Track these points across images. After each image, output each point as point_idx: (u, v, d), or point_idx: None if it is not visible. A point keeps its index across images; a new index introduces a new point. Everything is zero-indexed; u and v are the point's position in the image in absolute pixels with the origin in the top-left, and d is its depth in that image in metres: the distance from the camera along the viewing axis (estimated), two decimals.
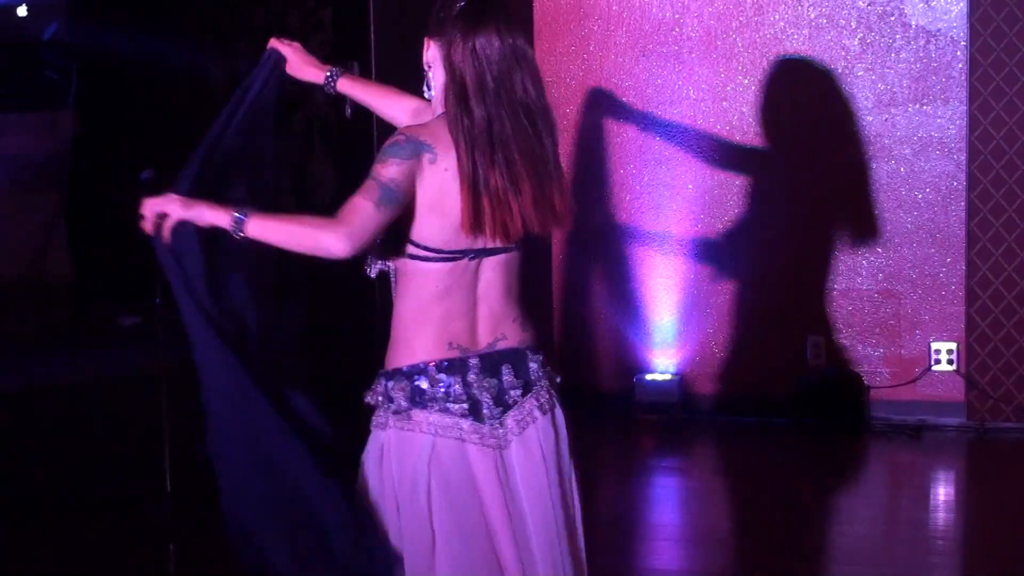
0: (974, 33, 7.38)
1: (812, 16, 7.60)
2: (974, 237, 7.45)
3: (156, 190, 3.29)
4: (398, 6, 7.39)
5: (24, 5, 8.50)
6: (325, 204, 8.27)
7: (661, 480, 7.22)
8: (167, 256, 3.26)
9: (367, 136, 7.42)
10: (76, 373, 6.70)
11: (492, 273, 3.35)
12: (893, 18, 7.52)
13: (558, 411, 3.42)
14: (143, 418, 6.20)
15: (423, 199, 3.23)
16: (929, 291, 7.52)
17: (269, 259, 3.46)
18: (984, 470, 7.16)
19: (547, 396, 3.41)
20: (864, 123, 7.56)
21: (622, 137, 7.87)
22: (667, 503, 6.92)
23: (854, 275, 7.60)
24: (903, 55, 7.51)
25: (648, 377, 7.79)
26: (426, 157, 3.21)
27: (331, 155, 8.25)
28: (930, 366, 7.54)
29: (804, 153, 7.64)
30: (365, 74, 7.38)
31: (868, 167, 7.56)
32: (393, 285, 3.40)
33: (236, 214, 3.18)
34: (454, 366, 3.33)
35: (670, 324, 7.82)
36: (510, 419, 3.36)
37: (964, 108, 7.43)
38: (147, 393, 6.19)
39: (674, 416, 7.72)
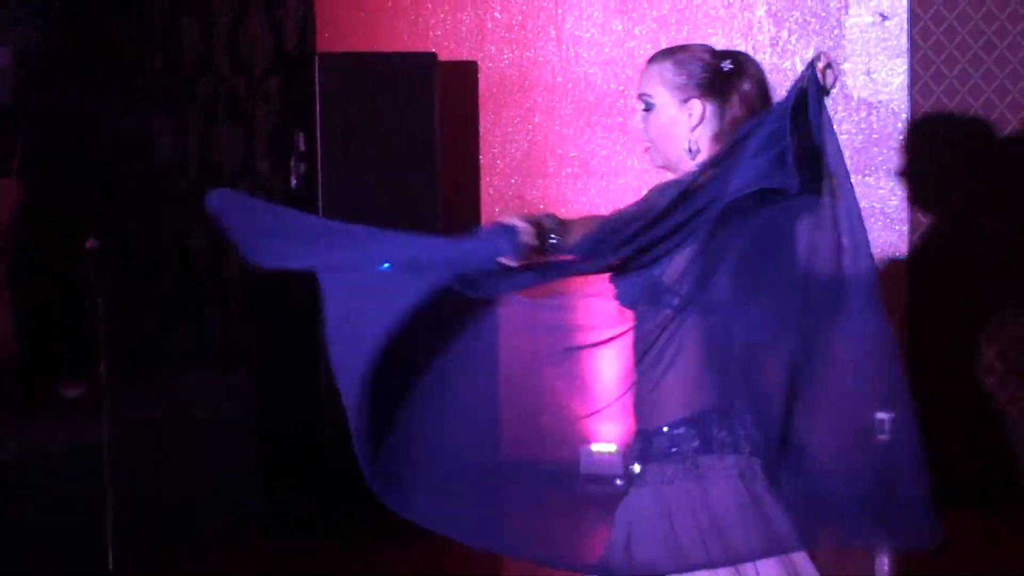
0: (915, 105, 7.46)
1: None
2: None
3: (101, 259, 3.30)
4: (344, 75, 7.42)
5: None
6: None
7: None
8: None
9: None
10: (17, 447, 6.63)
11: None
12: (835, 90, 7.56)
13: None
14: (85, 492, 6.15)
15: None
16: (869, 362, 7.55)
17: None
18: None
19: None
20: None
21: (568, 208, 7.90)
22: None
23: None
24: (845, 127, 7.57)
25: (593, 448, 7.77)
26: None
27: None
28: (871, 437, 7.55)
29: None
30: (310, 142, 7.40)
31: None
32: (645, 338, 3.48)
33: None
34: (726, 411, 3.40)
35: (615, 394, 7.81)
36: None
37: (906, 179, 7.50)
38: (89, 466, 6.13)
39: (619, 488, 7.69)
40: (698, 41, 7.63)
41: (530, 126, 7.95)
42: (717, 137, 3.44)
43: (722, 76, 3.43)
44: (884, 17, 7.50)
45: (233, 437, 7.21)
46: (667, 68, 3.46)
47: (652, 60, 3.51)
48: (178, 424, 7.05)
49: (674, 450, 3.42)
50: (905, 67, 7.48)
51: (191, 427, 7.08)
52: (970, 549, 6.81)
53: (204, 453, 7.02)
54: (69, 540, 6.28)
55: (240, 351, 8.50)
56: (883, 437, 3.38)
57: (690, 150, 3.45)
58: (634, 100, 3.54)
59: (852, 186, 3.37)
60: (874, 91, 7.54)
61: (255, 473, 7.32)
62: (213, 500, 6.99)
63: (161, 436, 6.90)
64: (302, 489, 7.36)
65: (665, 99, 3.46)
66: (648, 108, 3.48)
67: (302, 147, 7.53)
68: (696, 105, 3.43)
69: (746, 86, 3.44)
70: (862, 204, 7.59)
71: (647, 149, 3.54)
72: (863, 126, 7.55)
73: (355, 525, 6.67)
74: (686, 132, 3.45)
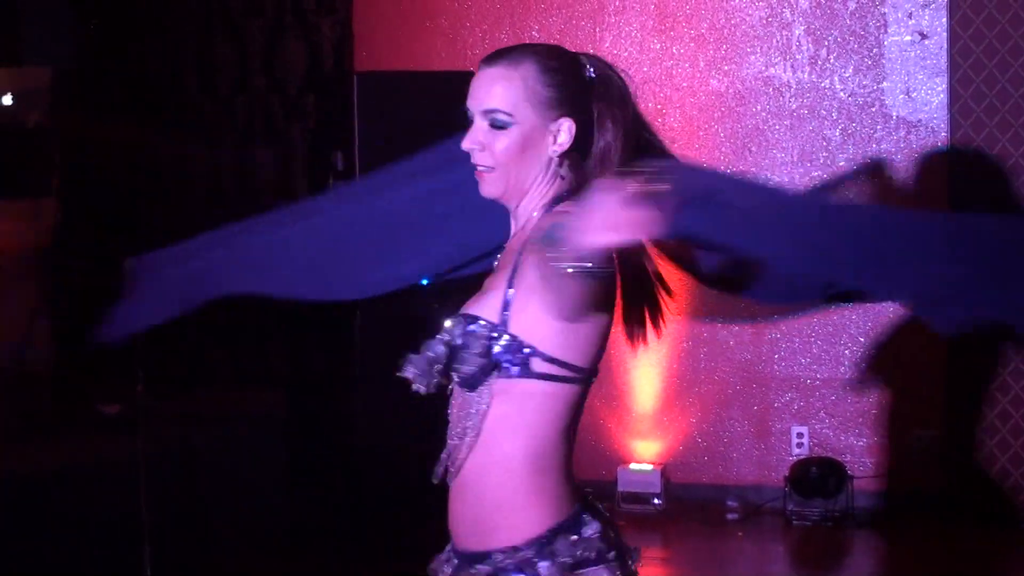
0: (954, 124, 7.43)
1: (794, 107, 7.64)
2: None
3: (132, 279, 3.24)
4: (383, 94, 7.41)
5: (9, 93, 8.51)
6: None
7: (644, 572, 7.17)
8: None
9: None
10: (56, 461, 6.65)
11: None
12: (874, 109, 7.56)
13: None
14: (123, 507, 6.15)
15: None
16: (910, 380, 7.51)
17: None
18: (965, 560, 7.12)
19: None
20: None
21: None
22: None
23: (837, 365, 7.59)
24: (884, 146, 7.55)
25: (631, 467, 7.75)
26: None
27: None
28: (911, 455, 7.52)
29: None
30: (348, 163, 7.40)
31: None
32: (481, 416, 2.85)
33: None
34: (593, 509, 2.94)
35: (652, 414, 7.80)
36: None
37: (945, 197, 7.47)
38: (127, 481, 6.14)
39: (657, 507, 7.68)
40: (728, 60, 7.66)
41: None
42: (579, 164, 2.87)
43: (586, 86, 2.85)
44: (923, 36, 7.48)
45: (265, 455, 7.22)
46: (531, 75, 2.81)
47: (505, 62, 2.84)
48: (212, 442, 7.07)
49: None
50: (944, 86, 7.46)
51: (225, 445, 7.10)
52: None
53: (237, 471, 7.03)
54: (106, 554, 6.28)
55: (274, 372, 8.50)
56: None
57: (553, 178, 2.86)
58: (469, 115, 2.90)
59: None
60: (913, 110, 7.51)
61: (287, 490, 7.31)
62: (246, 517, 6.98)
63: (195, 453, 6.92)
64: (334, 509, 7.34)
65: (527, 114, 2.82)
66: (501, 126, 2.81)
67: (340, 166, 7.53)
68: (566, 124, 2.82)
69: (613, 97, 2.86)
70: None
71: (482, 173, 2.87)
72: (902, 145, 7.52)
73: (385, 542, 6.67)
74: (547, 156, 2.84)
